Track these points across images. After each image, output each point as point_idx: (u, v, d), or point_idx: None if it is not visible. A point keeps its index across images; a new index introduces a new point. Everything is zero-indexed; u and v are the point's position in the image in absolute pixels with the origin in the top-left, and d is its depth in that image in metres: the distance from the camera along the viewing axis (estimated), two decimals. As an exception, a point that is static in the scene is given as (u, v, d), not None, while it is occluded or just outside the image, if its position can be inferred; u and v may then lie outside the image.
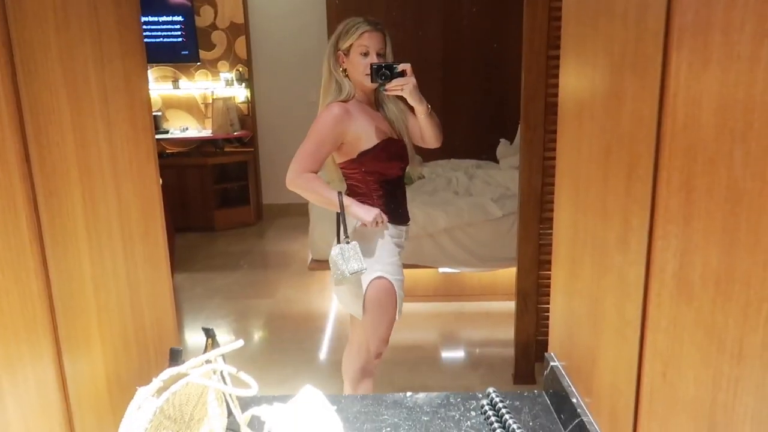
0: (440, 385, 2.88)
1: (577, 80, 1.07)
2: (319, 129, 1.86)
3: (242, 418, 1.02)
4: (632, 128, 0.81)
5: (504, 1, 5.13)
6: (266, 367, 3.05)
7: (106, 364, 1.10)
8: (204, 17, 5.73)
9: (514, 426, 1.03)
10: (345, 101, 1.90)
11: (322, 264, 3.62)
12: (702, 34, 0.63)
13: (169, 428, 0.89)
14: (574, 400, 1.04)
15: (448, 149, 4.22)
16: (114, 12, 1.17)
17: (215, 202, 5.66)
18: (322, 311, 3.79)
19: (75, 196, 1.02)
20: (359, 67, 1.87)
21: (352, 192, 1.99)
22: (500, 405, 1.10)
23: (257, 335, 3.55)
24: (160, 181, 1.38)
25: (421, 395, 1.20)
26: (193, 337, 3.43)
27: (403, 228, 2.03)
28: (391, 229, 1.96)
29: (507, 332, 3.07)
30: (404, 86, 1.79)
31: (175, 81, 5.83)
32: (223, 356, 0.99)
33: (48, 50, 0.95)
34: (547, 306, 2.40)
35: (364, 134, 1.89)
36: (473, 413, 1.13)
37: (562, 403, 1.10)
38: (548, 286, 1.22)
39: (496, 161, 4.60)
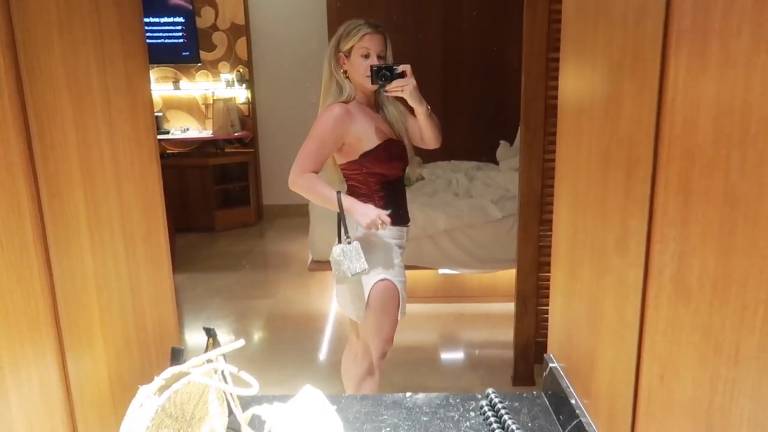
0: (440, 386, 2.89)
1: (576, 83, 1.07)
2: (320, 129, 1.87)
3: (243, 417, 1.03)
4: (631, 131, 0.81)
5: (504, 3, 5.14)
6: (266, 367, 3.05)
7: (109, 362, 1.11)
8: (205, 18, 5.74)
9: (513, 427, 1.03)
10: (346, 102, 1.91)
11: (322, 265, 3.62)
12: (700, 39, 0.64)
13: (171, 427, 0.89)
14: (573, 402, 1.05)
15: (448, 151, 4.24)
16: (116, 13, 1.18)
17: (216, 202, 5.67)
18: (322, 312, 3.79)
19: (77, 197, 1.02)
20: (360, 68, 1.88)
21: (352, 193, 1.99)
22: (499, 406, 1.10)
23: (257, 335, 3.55)
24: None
25: (421, 396, 1.21)
26: (194, 337, 3.44)
27: (404, 229, 2.04)
28: (392, 231, 1.97)
29: (506, 333, 3.08)
30: (404, 87, 1.81)
31: (176, 82, 5.83)
32: (224, 356, 1.00)
33: (51, 51, 0.96)
34: (547, 308, 2.40)
35: (365, 135, 1.90)
36: (472, 414, 1.14)
37: (560, 404, 1.10)
38: (548, 287, 1.22)
39: (496, 163, 4.60)
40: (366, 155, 1.91)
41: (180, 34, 5.63)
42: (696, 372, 0.66)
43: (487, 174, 4.35)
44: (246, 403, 1.09)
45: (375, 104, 2.01)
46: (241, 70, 5.84)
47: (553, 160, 1.22)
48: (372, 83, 1.84)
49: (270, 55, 5.91)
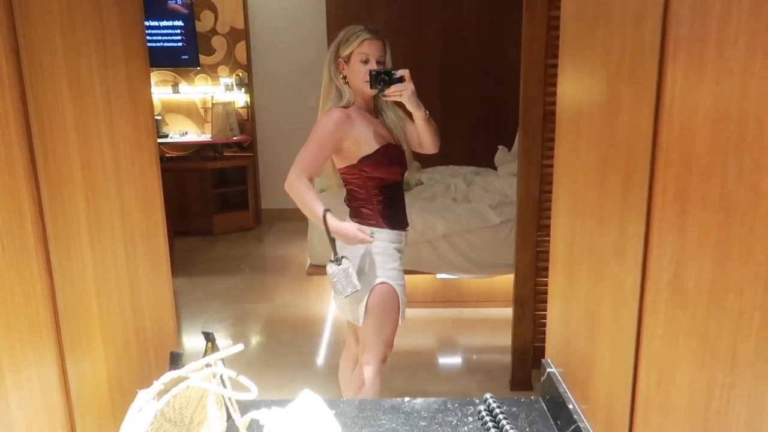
0: (438, 391, 2.88)
1: (574, 89, 1.08)
2: (320, 133, 1.88)
3: (241, 421, 1.03)
4: (629, 138, 0.82)
5: (503, 9, 5.16)
6: (264, 371, 3.05)
7: (108, 366, 1.11)
8: (204, 22, 5.76)
9: None
10: (345, 107, 1.92)
11: (320, 269, 3.62)
12: (697, 46, 0.65)
13: (169, 431, 0.89)
14: (571, 407, 1.05)
15: (447, 156, 4.26)
16: (118, 16, 1.18)
17: (214, 206, 5.67)
18: (321, 316, 3.79)
19: (78, 199, 1.03)
20: (359, 74, 1.89)
21: (351, 197, 2.00)
22: (497, 411, 1.11)
23: (256, 339, 3.55)
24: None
25: (419, 400, 1.21)
26: (192, 341, 3.43)
27: (403, 233, 2.05)
28: (390, 235, 1.98)
29: (504, 338, 3.08)
30: (402, 92, 1.82)
31: (175, 85, 5.84)
32: (223, 360, 1.00)
33: (54, 53, 0.96)
34: (545, 313, 2.40)
35: (364, 140, 1.91)
36: (470, 419, 1.14)
37: (558, 409, 1.10)
38: (545, 292, 1.22)
39: (495, 168, 4.62)
40: (365, 160, 1.92)
41: (179, 37, 5.64)
42: (693, 377, 0.67)
43: (485, 179, 4.36)
44: (244, 407, 1.09)
45: (374, 109, 2.02)
46: (240, 74, 5.85)
47: (552, 166, 1.23)
48: (371, 88, 1.85)
49: (269, 59, 5.92)
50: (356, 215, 1.99)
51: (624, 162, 0.84)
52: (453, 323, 3.63)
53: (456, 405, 1.19)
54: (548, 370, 1.18)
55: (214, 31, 5.79)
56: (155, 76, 5.82)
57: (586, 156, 1.00)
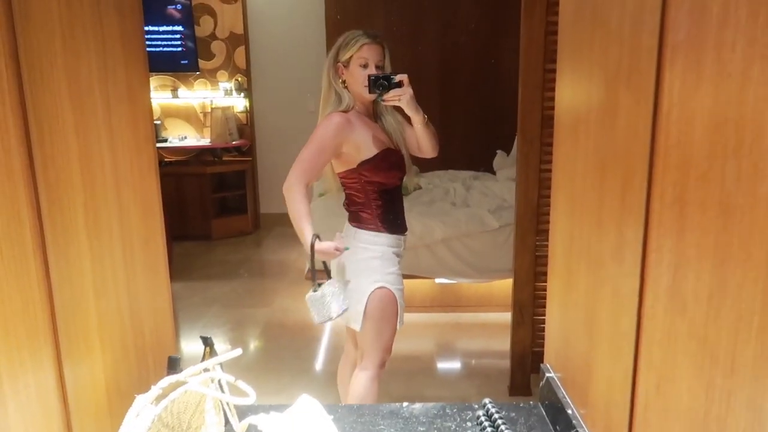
0: (436, 396, 2.88)
1: (573, 94, 1.08)
2: (319, 136, 1.88)
3: (239, 426, 1.02)
4: (627, 143, 0.82)
5: (501, 14, 5.18)
6: (263, 376, 3.04)
7: (106, 371, 1.11)
8: (204, 27, 5.77)
9: (510, 436, 1.03)
10: (345, 112, 1.92)
11: (318, 273, 3.61)
12: (695, 52, 0.65)
13: (167, 436, 0.89)
14: (570, 412, 1.05)
15: (446, 160, 4.25)
16: (118, 21, 1.18)
17: (213, 210, 5.66)
18: (319, 321, 3.78)
19: (77, 204, 1.03)
20: (358, 78, 1.89)
21: (350, 201, 2.00)
22: (496, 416, 1.10)
23: (254, 344, 3.54)
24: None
25: (418, 406, 1.21)
26: (190, 345, 3.42)
27: (402, 237, 2.05)
28: (389, 239, 1.98)
29: (503, 343, 3.07)
30: (401, 96, 1.83)
31: (175, 90, 5.85)
32: (221, 365, 1.00)
33: (53, 58, 0.96)
34: (543, 317, 2.40)
35: (364, 144, 1.91)
36: (469, 424, 1.14)
37: (557, 414, 1.10)
38: (544, 297, 1.22)
39: (493, 173, 4.62)
40: (364, 164, 1.92)
41: (179, 42, 5.65)
42: (692, 382, 0.66)
43: (484, 183, 4.36)
44: (242, 412, 1.08)
45: (373, 114, 2.02)
46: (239, 79, 5.86)
47: (550, 170, 1.23)
48: (369, 92, 1.85)
49: (268, 64, 5.93)
50: (355, 219, 1.99)
51: (622, 166, 0.84)
52: (452, 328, 3.63)
53: (455, 410, 1.19)
54: (547, 375, 1.18)
55: (213, 36, 5.80)
56: (154, 80, 5.83)
57: (584, 161, 1.01)
